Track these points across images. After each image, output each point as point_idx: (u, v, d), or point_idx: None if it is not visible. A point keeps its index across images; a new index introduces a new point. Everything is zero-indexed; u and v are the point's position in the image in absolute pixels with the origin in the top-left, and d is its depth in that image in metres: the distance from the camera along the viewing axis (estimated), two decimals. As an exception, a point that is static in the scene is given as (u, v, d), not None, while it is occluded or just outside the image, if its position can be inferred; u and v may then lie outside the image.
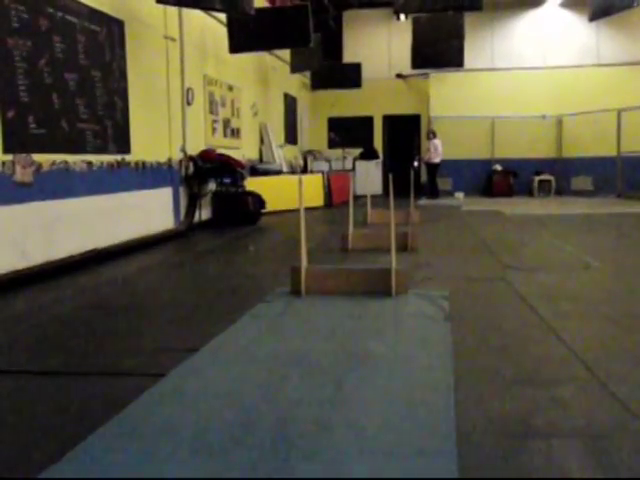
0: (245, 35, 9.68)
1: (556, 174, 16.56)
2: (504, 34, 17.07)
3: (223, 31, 9.96)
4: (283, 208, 10.92)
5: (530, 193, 16.45)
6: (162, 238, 8.20)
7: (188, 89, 9.41)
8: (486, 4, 10.38)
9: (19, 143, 5.59)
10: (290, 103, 15.97)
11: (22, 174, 5.62)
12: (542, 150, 16.77)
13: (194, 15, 9.33)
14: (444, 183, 16.64)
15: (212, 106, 10.59)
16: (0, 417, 2.64)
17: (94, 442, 2.29)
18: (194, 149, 9.59)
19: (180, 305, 4.76)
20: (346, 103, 17.08)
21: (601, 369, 3.00)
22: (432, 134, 16.17)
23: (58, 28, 6.14)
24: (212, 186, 10.09)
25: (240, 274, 6.08)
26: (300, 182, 4.66)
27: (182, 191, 9.23)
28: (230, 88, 11.46)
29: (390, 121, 18.28)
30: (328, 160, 16.83)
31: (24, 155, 5.66)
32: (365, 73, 14.88)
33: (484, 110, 16.60)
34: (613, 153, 15.20)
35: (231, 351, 3.37)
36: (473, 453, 2.17)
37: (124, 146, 7.50)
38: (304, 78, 16.36)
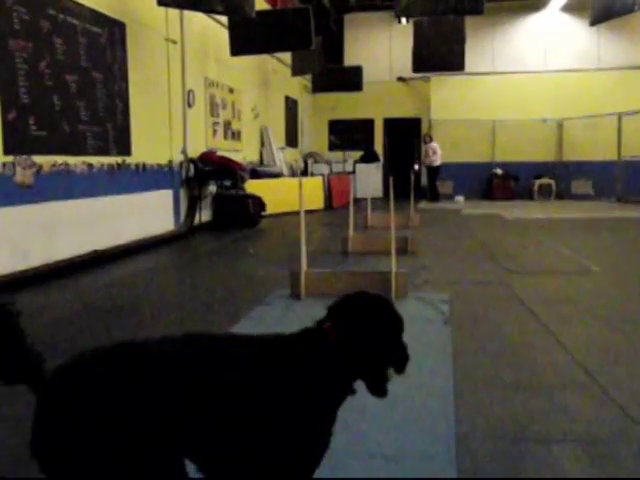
0: (246, 38, 9.68)
1: (557, 178, 16.56)
2: (505, 38, 17.08)
3: (224, 33, 9.98)
4: (283, 211, 10.92)
5: (530, 197, 16.45)
6: (162, 240, 8.20)
7: (189, 91, 9.42)
8: (487, 8, 10.39)
9: (20, 145, 5.60)
10: (291, 106, 15.98)
11: (23, 175, 5.63)
12: (543, 154, 16.77)
13: (195, 17, 9.34)
14: (444, 186, 16.65)
15: (213, 108, 10.60)
16: (1, 419, 2.64)
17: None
18: (195, 151, 9.60)
19: (179, 307, 4.76)
20: (347, 106, 17.10)
21: (601, 374, 2.99)
22: (428, 138, 16.26)
23: (59, 30, 6.14)
24: (212, 188, 10.09)
25: (240, 276, 6.07)
26: (301, 185, 4.66)
27: (182, 193, 9.23)
28: (231, 90, 11.47)
29: (391, 124, 18.28)
30: (329, 163, 16.83)
31: (25, 157, 5.66)
32: (366, 76, 14.87)
33: (485, 113, 16.61)
34: (614, 157, 15.20)
35: (231, 354, 3.36)
36: (472, 457, 2.17)
37: (125, 148, 7.50)
38: (305, 81, 16.37)
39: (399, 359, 1.55)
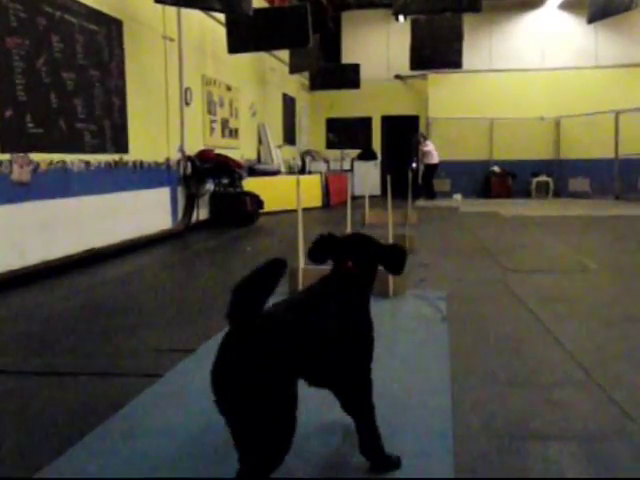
0: (244, 35, 9.66)
1: (554, 176, 16.57)
2: (503, 35, 17.08)
3: (222, 31, 9.95)
4: (281, 208, 10.91)
5: (528, 195, 16.46)
6: (160, 238, 8.19)
7: (186, 89, 9.40)
8: (485, 5, 10.38)
9: (17, 142, 5.58)
10: (289, 103, 15.96)
11: (20, 173, 5.61)
12: (540, 152, 16.77)
13: (193, 15, 9.32)
14: (442, 184, 16.65)
15: (210, 106, 10.58)
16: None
17: (91, 442, 2.28)
18: (192, 149, 9.58)
19: (177, 305, 4.75)
20: (345, 104, 17.07)
21: (599, 372, 3.00)
22: (422, 137, 16.30)
23: (56, 27, 6.12)
24: (210, 186, 10.08)
25: (237, 274, 6.05)
26: (298, 183, 4.65)
27: (180, 191, 9.22)
28: (228, 88, 11.45)
29: (388, 122, 18.28)
30: (326, 161, 16.82)
31: (22, 154, 5.65)
32: (364, 74, 14.85)
33: (482, 111, 16.61)
34: (611, 155, 15.21)
35: (228, 352, 3.36)
36: (469, 455, 2.17)
37: (122, 146, 7.49)
38: (303, 79, 16.34)
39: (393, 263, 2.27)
